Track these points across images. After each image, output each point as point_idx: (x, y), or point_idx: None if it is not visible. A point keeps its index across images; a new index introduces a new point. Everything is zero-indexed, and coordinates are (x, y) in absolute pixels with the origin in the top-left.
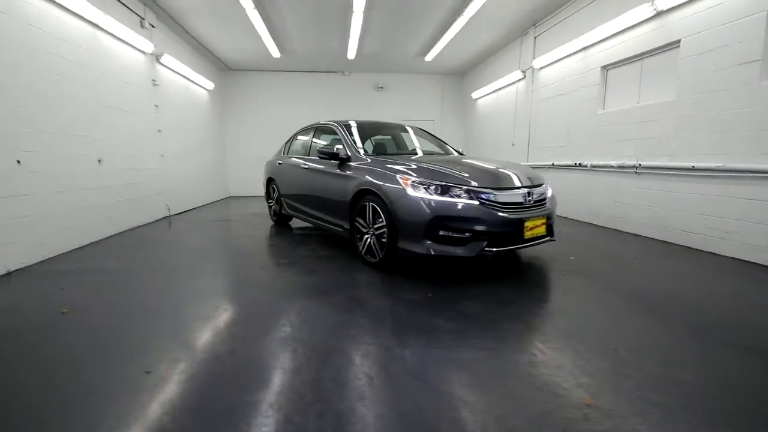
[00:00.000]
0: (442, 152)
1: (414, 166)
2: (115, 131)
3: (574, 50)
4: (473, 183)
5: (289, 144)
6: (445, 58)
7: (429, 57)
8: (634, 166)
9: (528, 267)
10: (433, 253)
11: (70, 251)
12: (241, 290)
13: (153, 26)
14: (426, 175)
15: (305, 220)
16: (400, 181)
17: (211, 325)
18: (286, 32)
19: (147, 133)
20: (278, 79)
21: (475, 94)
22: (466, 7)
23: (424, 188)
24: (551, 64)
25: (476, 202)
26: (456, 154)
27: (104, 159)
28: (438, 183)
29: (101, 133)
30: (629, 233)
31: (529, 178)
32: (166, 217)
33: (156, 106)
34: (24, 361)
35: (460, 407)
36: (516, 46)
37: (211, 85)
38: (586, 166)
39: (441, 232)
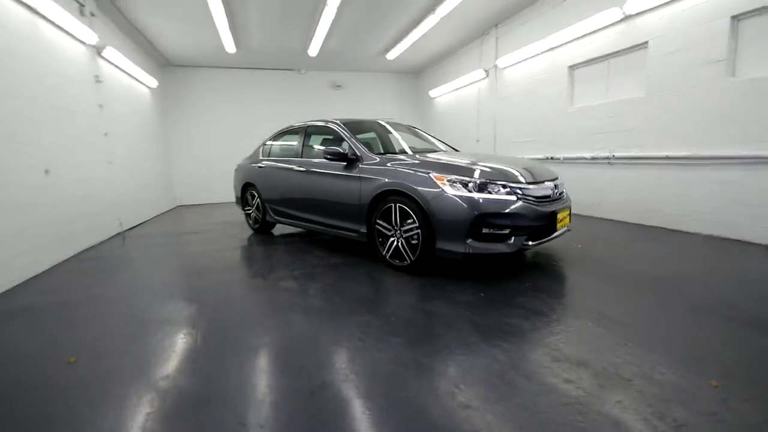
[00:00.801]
0: (439, 149)
1: (445, 164)
2: (61, 136)
3: (541, 51)
4: (510, 179)
5: (269, 146)
6: (405, 56)
7: (391, 55)
8: (607, 158)
9: (538, 257)
10: (475, 251)
11: (25, 281)
12: (283, 321)
13: (93, 15)
14: (462, 173)
15: (297, 226)
16: (435, 179)
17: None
18: (246, 26)
19: (93, 137)
20: (228, 77)
21: (432, 93)
22: (439, 5)
23: (463, 186)
24: (516, 63)
25: (515, 197)
26: (453, 150)
27: (52, 169)
28: (476, 180)
29: (47, 138)
30: (605, 219)
31: (550, 172)
32: (119, 233)
33: (100, 106)
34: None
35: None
36: (476, 47)
37: (154, 83)
38: (558, 159)
39: (484, 230)
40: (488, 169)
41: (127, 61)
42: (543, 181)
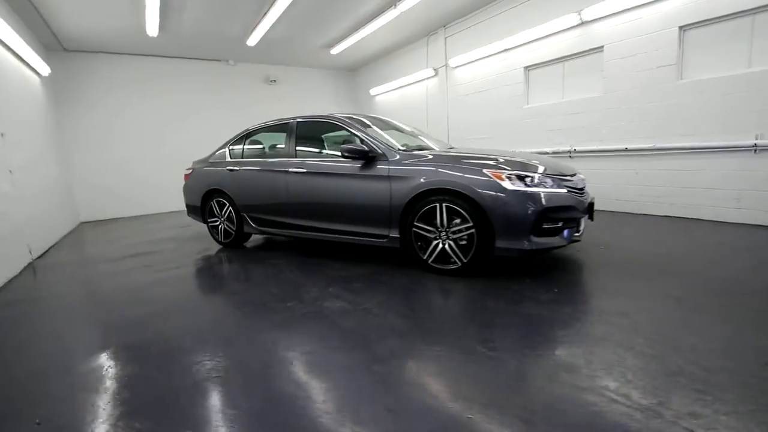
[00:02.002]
0: (429, 146)
1: (484, 158)
2: None
3: (496, 51)
4: (557, 172)
5: (240, 146)
6: (346, 53)
7: (336, 50)
8: (568, 151)
9: (556, 253)
10: (536, 247)
11: None
12: (395, 358)
13: None
14: (518, 167)
15: (288, 236)
16: (490, 174)
17: None
18: (182, 5)
19: None
20: (146, 66)
21: (373, 91)
22: (400, 0)
23: (520, 180)
24: (469, 63)
25: (565, 190)
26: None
27: None
28: (533, 174)
29: None
30: None
31: (568, 167)
32: (30, 264)
33: None
34: None
35: None
36: (422, 46)
37: (45, 70)
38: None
39: (544, 225)
40: (535, 163)
41: (19, 41)
42: (575, 174)
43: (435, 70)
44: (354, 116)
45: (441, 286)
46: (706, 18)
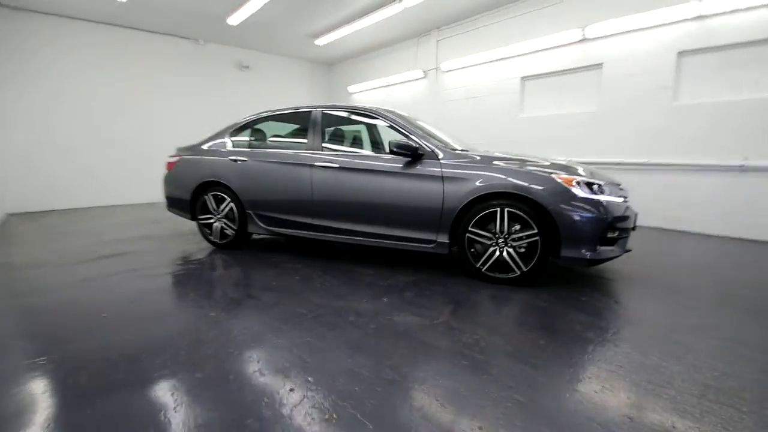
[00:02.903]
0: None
1: (542, 163)
2: None
3: (492, 59)
4: (611, 181)
5: (246, 134)
6: (331, 45)
7: (322, 41)
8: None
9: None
10: (600, 257)
11: None
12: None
13: None
14: (585, 174)
15: (305, 237)
16: (559, 180)
17: None
18: None
19: None
20: (100, 35)
21: (352, 88)
22: None
23: (588, 187)
24: (463, 68)
25: (622, 199)
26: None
27: None
28: (598, 182)
29: None
30: None
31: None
32: None
33: None
34: None
35: None
36: (411, 46)
37: None
38: None
39: (608, 234)
40: (590, 171)
41: None
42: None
43: (424, 72)
44: (390, 110)
45: (507, 296)
46: (703, 46)
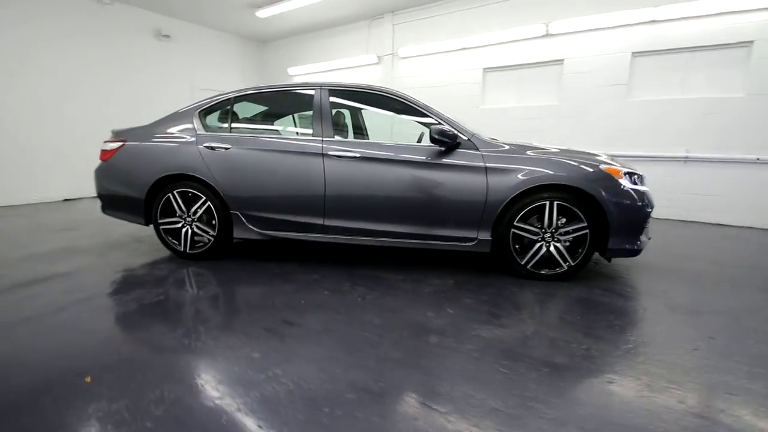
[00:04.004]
0: None
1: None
2: None
3: (454, 48)
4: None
5: (225, 115)
6: (271, 20)
7: (264, 13)
8: None
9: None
10: (642, 247)
11: None
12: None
13: None
14: (622, 164)
15: (313, 240)
16: (610, 172)
17: None
18: None
19: None
20: None
21: (293, 70)
22: None
23: (629, 179)
24: (422, 56)
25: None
26: None
27: None
28: (638, 173)
29: None
30: None
31: None
32: None
33: None
34: None
35: None
36: (362, 28)
37: None
38: None
39: (644, 224)
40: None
41: None
42: None
43: (379, 57)
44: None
45: (564, 294)
46: (654, 49)
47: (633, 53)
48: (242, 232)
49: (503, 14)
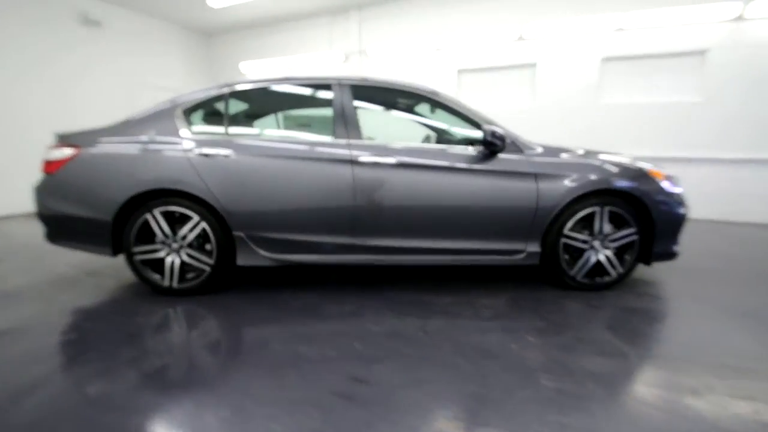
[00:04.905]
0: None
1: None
2: None
3: (427, 49)
4: None
5: (218, 114)
6: (225, 11)
7: (218, 3)
8: None
9: None
10: (679, 250)
11: None
12: None
13: None
14: (659, 167)
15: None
16: (653, 175)
17: None
18: None
19: None
20: None
21: (246, 66)
22: None
23: (669, 182)
24: (393, 55)
25: None
26: None
27: None
28: (674, 175)
29: None
30: None
31: None
32: None
33: None
34: None
35: None
36: (325, 25)
37: None
38: None
39: (683, 226)
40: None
41: None
42: None
43: (346, 55)
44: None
45: (628, 306)
46: (622, 55)
47: (603, 58)
48: (248, 258)
49: (478, 14)
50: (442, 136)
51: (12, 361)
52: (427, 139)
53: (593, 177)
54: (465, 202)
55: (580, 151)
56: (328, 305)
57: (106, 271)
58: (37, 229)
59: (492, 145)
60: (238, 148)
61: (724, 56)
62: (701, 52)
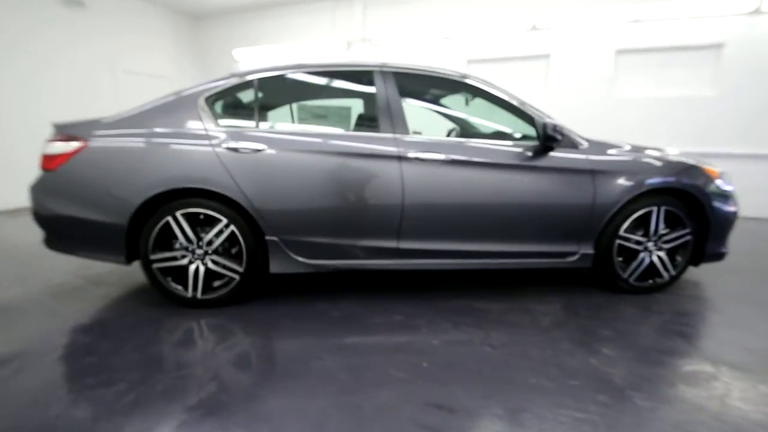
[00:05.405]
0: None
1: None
2: None
3: (435, 37)
4: None
5: (248, 103)
6: None
7: None
8: None
9: None
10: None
11: None
12: None
13: None
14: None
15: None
16: (708, 173)
17: None
18: None
19: None
20: None
21: (240, 53)
22: None
23: (722, 179)
24: (399, 43)
25: None
26: None
27: None
28: (724, 173)
29: None
30: None
31: None
32: None
33: None
34: None
35: None
36: (326, 9)
37: None
38: None
39: (733, 226)
40: None
41: None
42: None
43: (348, 43)
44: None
45: (708, 312)
46: (636, 47)
47: (617, 51)
48: (282, 264)
49: (490, 1)
50: (469, 130)
51: (23, 396)
52: (452, 132)
53: (654, 174)
54: (520, 200)
55: (627, 146)
56: (373, 315)
57: (109, 278)
58: (25, 227)
59: (552, 140)
60: (273, 142)
61: (740, 50)
62: (717, 46)
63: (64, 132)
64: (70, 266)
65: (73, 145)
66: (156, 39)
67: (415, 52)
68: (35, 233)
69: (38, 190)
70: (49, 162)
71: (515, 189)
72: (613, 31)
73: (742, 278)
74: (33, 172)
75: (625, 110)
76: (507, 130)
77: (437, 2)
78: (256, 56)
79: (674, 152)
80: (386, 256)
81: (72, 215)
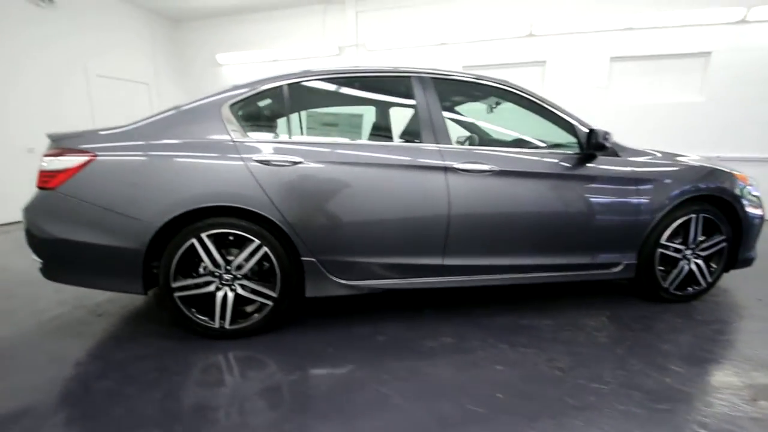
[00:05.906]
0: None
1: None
2: None
3: (431, 43)
4: None
5: (280, 112)
6: None
7: None
8: None
9: None
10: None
11: None
12: None
13: None
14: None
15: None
16: (740, 179)
17: None
18: None
19: None
20: None
21: (224, 58)
22: None
23: (751, 185)
24: (394, 49)
25: None
26: None
27: None
28: (752, 178)
29: None
30: None
31: None
32: None
33: None
34: None
35: None
36: (316, 14)
37: None
38: None
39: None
40: None
41: None
42: None
43: (340, 48)
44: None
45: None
46: (629, 55)
47: (611, 58)
48: (319, 287)
49: (486, 7)
50: (485, 138)
51: None
52: (466, 141)
53: (694, 181)
54: (569, 211)
55: (658, 153)
56: (421, 339)
57: (110, 308)
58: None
59: (601, 148)
60: (309, 154)
61: (727, 58)
62: (706, 54)
63: (64, 144)
64: (61, 294)
65: (79, 159)
66: (133, 41)
67: (410, 58)
68: (12, 254)
69: (35, 211)
70: (48, 179)
71: (564, 199)
72: (608, 38)
73: (765, 282)
74: (2, 180)
75: (618, 116)
76: (544, 138)
77: (433, 8)
78: (241, 61)
79: (696, 158)
80: (430, 274)
81: (78, 240)
